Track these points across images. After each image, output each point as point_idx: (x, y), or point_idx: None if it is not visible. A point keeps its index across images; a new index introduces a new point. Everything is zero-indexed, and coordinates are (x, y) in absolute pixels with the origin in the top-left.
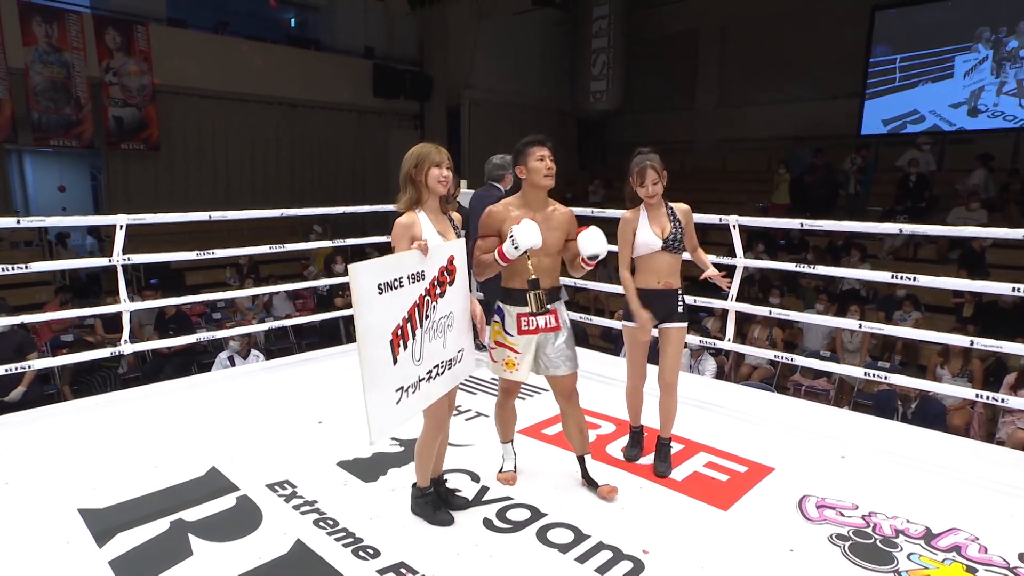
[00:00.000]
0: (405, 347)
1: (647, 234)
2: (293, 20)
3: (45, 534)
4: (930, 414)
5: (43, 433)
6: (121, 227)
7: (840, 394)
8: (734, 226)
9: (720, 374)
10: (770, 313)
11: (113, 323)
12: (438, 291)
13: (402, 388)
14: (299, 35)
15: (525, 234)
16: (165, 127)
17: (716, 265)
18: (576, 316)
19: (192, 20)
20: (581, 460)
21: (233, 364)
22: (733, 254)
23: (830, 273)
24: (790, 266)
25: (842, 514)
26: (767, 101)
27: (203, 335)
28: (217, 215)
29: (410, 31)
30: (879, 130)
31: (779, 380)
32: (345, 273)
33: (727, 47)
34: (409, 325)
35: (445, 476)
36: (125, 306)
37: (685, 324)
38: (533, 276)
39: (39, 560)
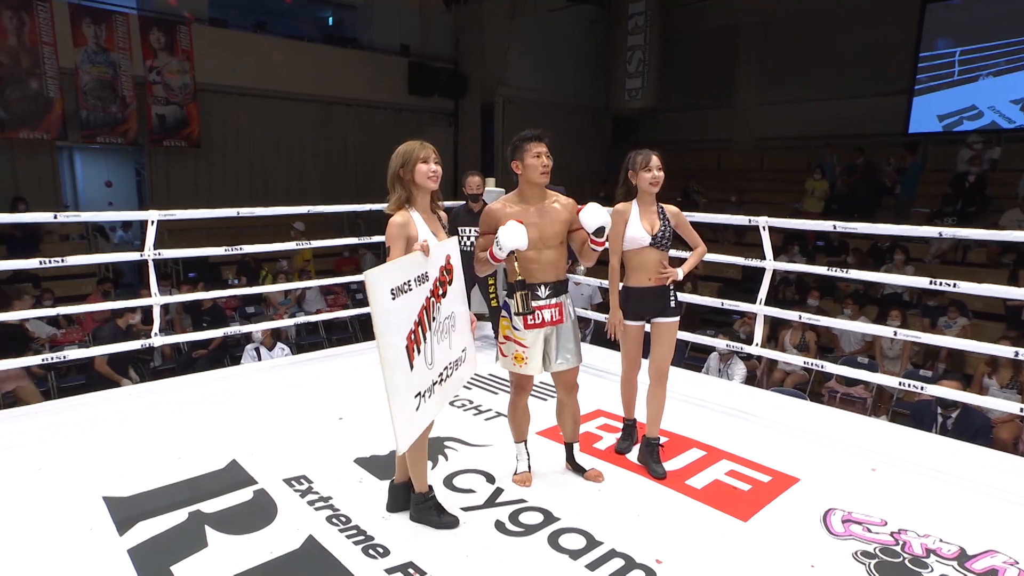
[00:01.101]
0: (419, 352)
1: (636, 229)
2: (330, 19)
3: (70, 520)
4: (972, 427)
5: (78, 421)
6: (152, 222)
7: (878, 402)
8: (763, 227)
9: (752, 379)
10: (799, 318)
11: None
12: (441, 291)
13: (420, 394)
14: (336, 33)
15: (508, 236)
16: (205, 124)
17: (745, 268)
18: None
19: (233, 20)
20: (569, 447)
21: (259, 356)
22: (764, 255)
23: (861, 277)
24: (820, 269)
25: (869, 530)
26: (808, 98)
27: (228, 330)
28: (245, 211)
29: (445, 29)
30: (932, 127)
31: (813, 387)
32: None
33: (768, 43)
34: (420, 329)
35: (432, 490)
36: (155, 300)
37: (676, 319)
38: (519, 277)
39: (62, 546)
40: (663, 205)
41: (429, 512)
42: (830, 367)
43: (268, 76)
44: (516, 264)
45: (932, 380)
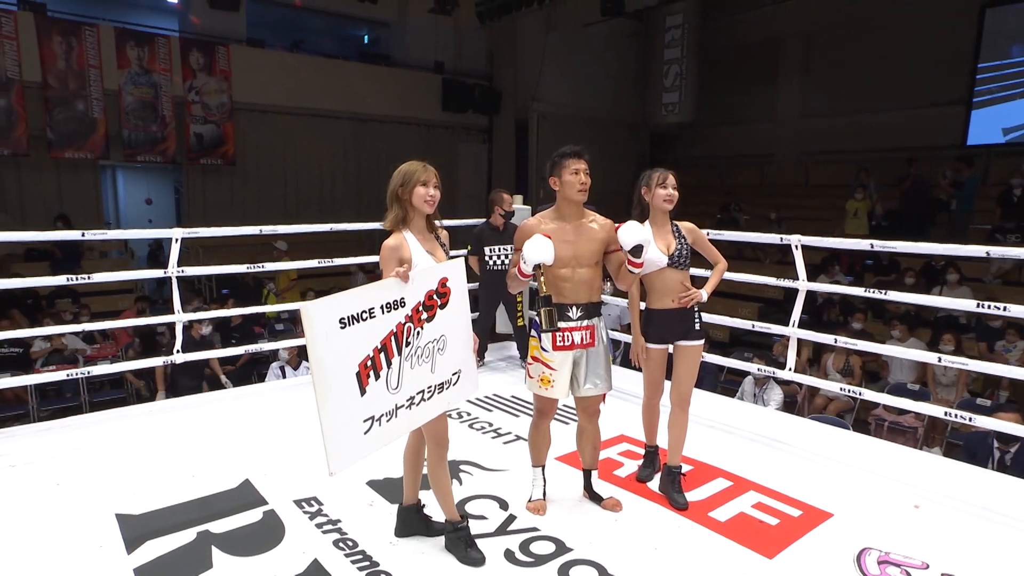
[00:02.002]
0: (377, 377)
1: (652, 251)
2: (366, 37)
3: (81, 536)
4: None
5: (99, 437)
6: (176, 240)
7: (931, 433)
8: (796, 246)
9: (792, 406)
10: (835, 341)
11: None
12: (423, 316)
13: (372, 418)
14: (370, 51)
15: (533, 250)
16: (241, 143)
17: (778, 288)
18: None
19: (269, 40)
20: (587, 474)
21: (284, 375)
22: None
23: (899, 299)
24: (855, 290)
25: (908, 573)
26: (854, 110)
27: (249, 347)
28: (267, 229)
29: (480, 45)
30: (993, 139)
31: (859, 414)
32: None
33: (812, 54)
34: (383, 355)
35: (423, 501)
36: (178, 316)
37: (701, 342)
38: (544, 292)
39: (70, 563)
40: (677, 222)
41: (458, 544)
42: (869, 394)
43: (302, 94)
44: (543, 279)
45: (990, 410)
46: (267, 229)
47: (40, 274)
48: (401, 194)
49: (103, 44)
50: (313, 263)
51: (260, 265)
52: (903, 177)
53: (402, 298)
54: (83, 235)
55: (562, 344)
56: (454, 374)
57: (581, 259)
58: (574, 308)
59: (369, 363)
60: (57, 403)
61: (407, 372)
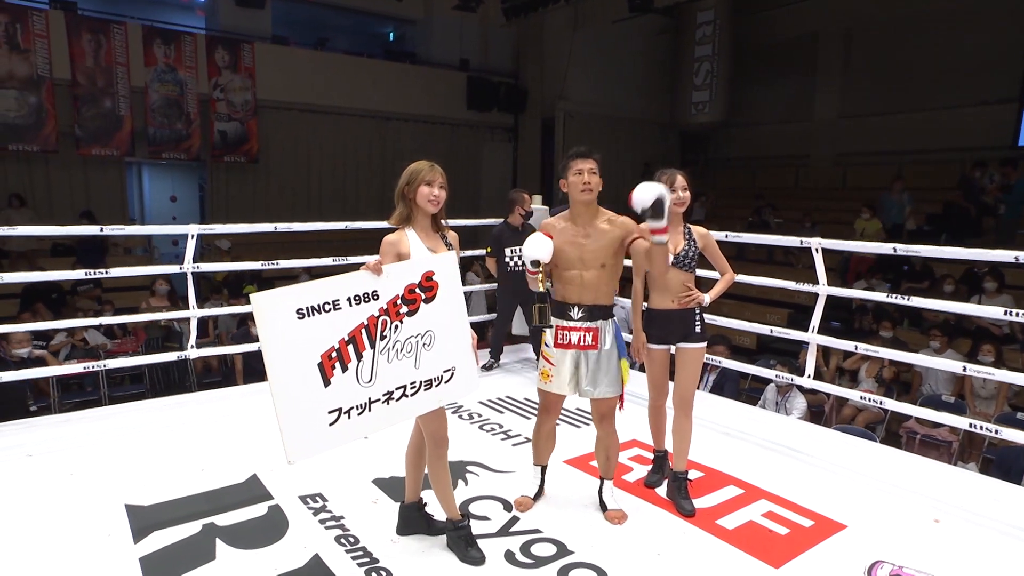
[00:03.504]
0: (345, 369)
1: None
2: (391, 34)
3: (91, 525)
4: None
5: (114, 429)
6: (192, 236)
7: (968, 447)
8: (816, 249)
9: (819, 416)
10: (855, 348)
11: (203, 328)
12: (404, 309)
13: (339, 410)
14: (396, 49)
15: (528, 247)
16: (264, 140)
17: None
18: None
19: (294, 38)
20: (601, 483)
21: None
22: (840, 280)
23: (925, 305)
24: (878, 296)
25: None
26: (896, 110)
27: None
28: (282, 227)
29: (505, 43)
30: None
31: (890, 426)
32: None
33: (851, 51)
34: (352, 347)
35: (424, 500)
36: (192, 312)
37: (703, 344)
38: (542, 289)
39: (78, 550)
40: (691, 226)
41: (458, 542)
42: (892, 404)
43: (326, 92)
44: (541, 276)
45: None
46: (282, 226)
47: (65, 269)
48: (406, 192)
49: (131, 42)
50: (328, 261)
51: (275, 262)
52: (966, 179)
53: (375, 291)
54: (101, 230)
55: (562, 342)
56: (446, 371)
57: (587, 262)
58: (576, 308)
59: (334, 354)
60: (79, 396)
61: (383, 366)
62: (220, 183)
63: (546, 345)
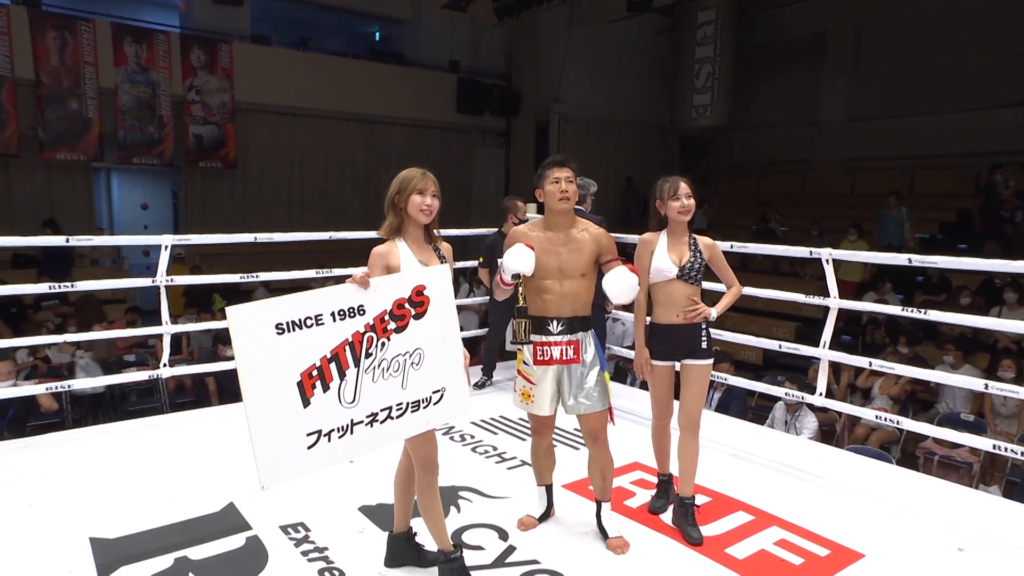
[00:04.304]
0: (326, 388)
1: (663, 259)
2: (377, 34)
3: (52, 561)
4: None
5: (77, 455)
6: (166, 247)
7: (989, 469)
8: (827, 260)
9: (830, 435)
10: (869, 364)
11: (176, 345)
12: (391, 326)
13: (319, 432)
14: (382, 49)
15: (511, 259)
16: (242, 145)
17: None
18: None
19: (275, 37)
20: (598, 506)
21: None
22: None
23: (941, 319)
24: (893, 309)
25: None
26: (908, 112)
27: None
28: (263, 237)
29: (498, 43)
30: None
31: (906, 446)
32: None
33: (861, 51)
34: (335, 365)
35: (414, 529)
36: (165, 328)
37: (709, 362)
38: (521, 303)
39: None
40: (697, 236)
41: (451, 575)
42: (909, 424)
43: (309, 95)
44: (520, 290)
45: None
46: (262, 237)
47: (27, 282)
48: (397, 201)
49: (99, 40)
50: (311, 273)
51: (254, 275)
52: (988, 184)
53: (360, 305)
54: (67, 240)
55: (542, 358)
56: (435, 392)
57: (567, 271)
58: (555, 322)
59: (315, 373)
60: (40, 418)
61: (367, 386)
62: (195, 190)
63: (524, 363)
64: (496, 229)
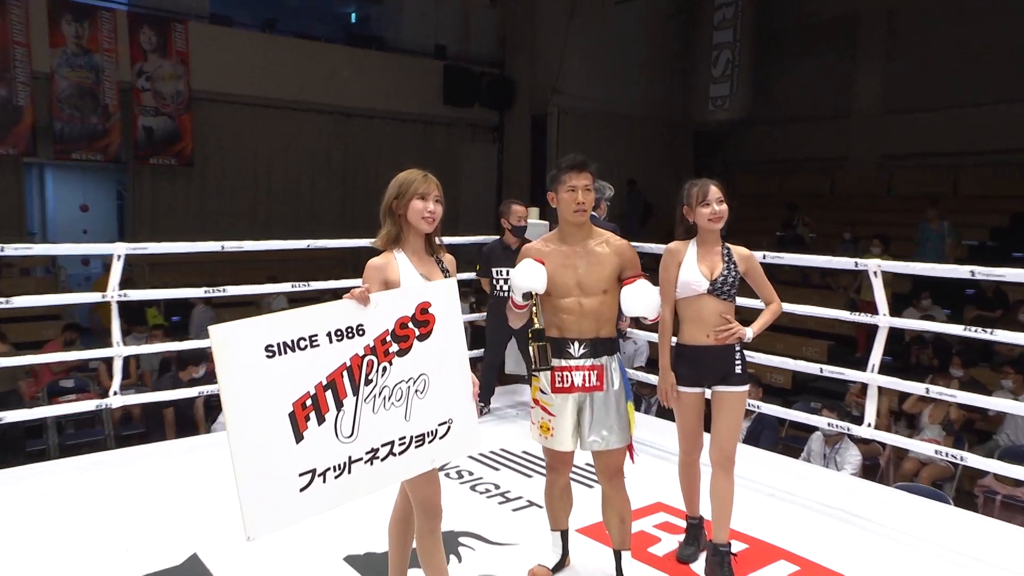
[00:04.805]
0: (321, 421)
1: (692, 271)
2: (353, 15)
3: None
4: None
5: (11, 499)
6: (119, 257)
7: None
8: (875, 272)
9: (872, 470)
10: (927, 391)
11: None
12: (393, 348)
13: (313, 472)
14: (360, 32)
15: (520, 276)
16: (200, 139)
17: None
18: None
19: (237, 18)
20: (617, 556)
21: None
22: (875, 309)
23: (1012, 340)
24: (953, 328)
25: None
26: (950, 104)
27: (198, 389)
28: (231, 245)
29: (489, 27)
30: None
31: (961, 484)
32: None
33: (898, 34)
34: (331, 394)
35: None
36: (117, 350)
37: (744, 388)
38: (537, 325)
39: None
40: (731, 246)
41: None
42: (975, 460)
43: (276, 83)
44: (535, 310)
45: None
46: (231, 245)
47: None
48: (395, 208)
49: (32, 17)
50: (286, 287)
51: (220, 289)
52: None
53: (360, 325)
54: (2, 249)
55: (561, 385)
56: (441, 424)
57: (587, 287)
58: (576, 344)
59: (309, 402)
60: None
61: (367, 417)
62: (144, 190)
63: (541, 392)
64: (497, 238)
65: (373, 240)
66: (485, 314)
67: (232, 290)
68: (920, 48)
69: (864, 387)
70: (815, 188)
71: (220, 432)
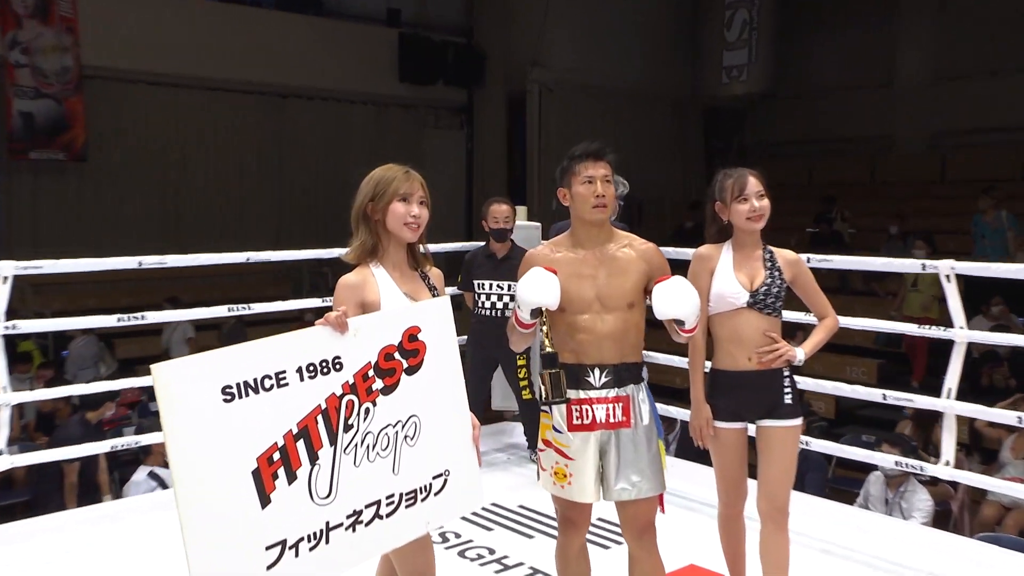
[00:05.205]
0: (292, 478)
1: (728, 282)
2: None
3: None
4: None
5: None
6: (5, 279)
7: None
8: (948, 276)
9: (942, 516)
10: (1020, 420)
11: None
12: (377, 385)
13: (283, 544)
14: None
15: (528, 288)
16: (94, 128)
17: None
18: None
19: None
20: None
21: (162, 484)
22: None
23: None
24: None
25: None
26: (1018, 67)
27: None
28: (150, 261)
29: None
30: None
31: None
32: None
33: None
34: (303, 443)
35: None
36: (4, 397)
37: (797, 422)
38: (548, 349)
39: None
40: (774, 249)
41: None
42: None
43: (191, 57)
44: (546, 330)
45: None
46: (150, 260)
47: None
48: (371, 212)
49: None
50: (221, 311)
51: (138, 315)
52: None
53: (336, 357)
54: None
55: (580, 422)
56: (436, 477)
57: (608, 301)
58: (596, 371)
59: (277, 456)
60: None
61: (347, 472)
62: (23, 192)
63: (555, 430)
64: (482, 244)
65: (344, 252)
66: (466, 338)
67: (153, 316)
68: (976, 2)
69: (918, 416)
70: (853, 175)
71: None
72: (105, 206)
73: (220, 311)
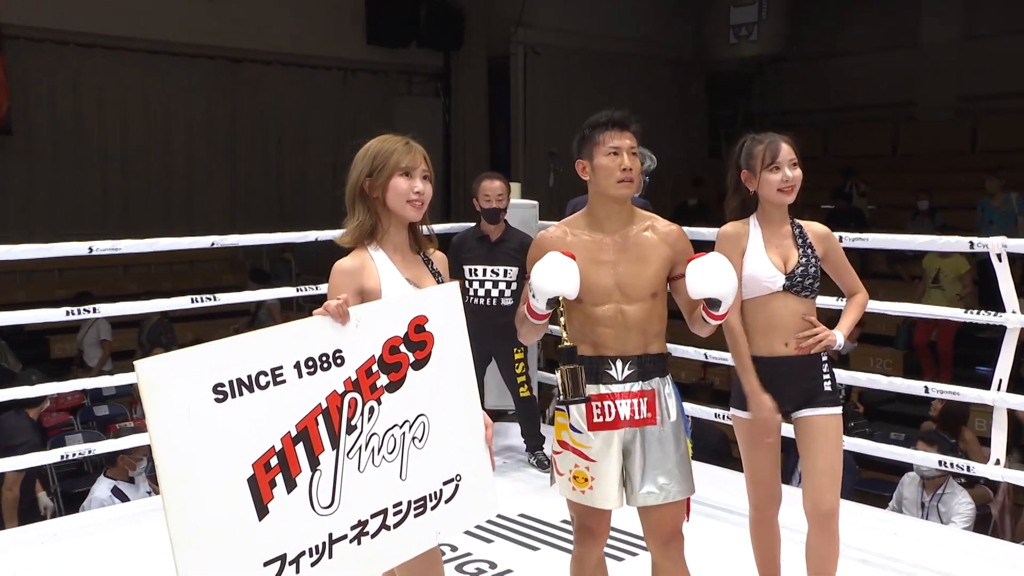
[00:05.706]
0: (291, 486)
1: (761, 263)
2: None
3: None
4: None
5: None
6: None
7: None
8: (999, 255)
9: (983, 521)
10: None
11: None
12: (382, 381)
13: (283, 559)
14: None
15: (544, 276)
16: (19, 96)
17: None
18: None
19: None
20: None
21: (122, 497)
22: (994, 304)
23: None
24: None
25: None
26: None
27: (64, 450)
28: (101, 247)
29: None
30: None
31: None
32: None
33: None
34: (303, 447)
35: None
36: None
37: (839, 411)
38: (567, 343)
39: None
40: (803, 223)
41: None
42: None
43: (131, 15)
44: (563, 321)
45: None
46: (101, 246)
47: None
48: (368, 188)
49: None
50: (184, 302)
51: (88, 308)
52: None
53: (337, 351)
54: None
55: (602, 420)
56: (448, 482)
57: (630, 290)
58: (618, 363)
59: (275, 462)
60: None
61: (351, 479)
62: None
63: (573, 430)
64: (472, 225)
65: (338, 234)
66: None
67: (106, 309)
68: None
69: (945, 414)
70: (873, 145)
71: (100, 510)
72: (33, 186)
73: (182, 302)
